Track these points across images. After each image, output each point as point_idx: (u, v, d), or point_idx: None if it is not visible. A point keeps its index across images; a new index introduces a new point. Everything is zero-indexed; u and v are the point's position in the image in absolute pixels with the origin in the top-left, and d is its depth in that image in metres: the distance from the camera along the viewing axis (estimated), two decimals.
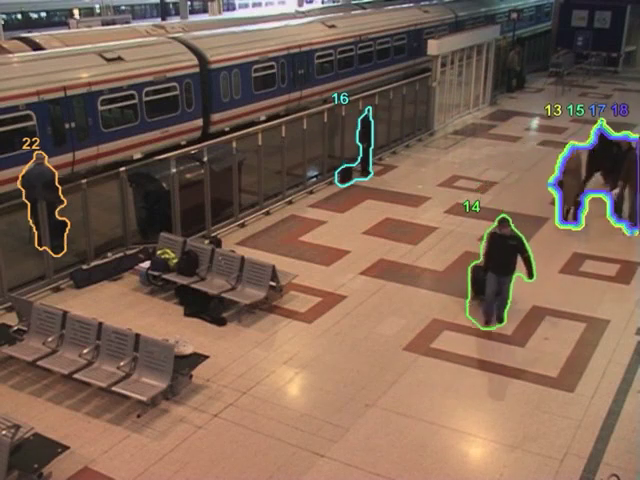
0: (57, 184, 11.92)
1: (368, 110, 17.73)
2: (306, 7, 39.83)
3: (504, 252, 10.68)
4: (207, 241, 13.18)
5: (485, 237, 11.02)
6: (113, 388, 8.87)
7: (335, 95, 17.88)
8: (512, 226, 10.58)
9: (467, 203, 11.17)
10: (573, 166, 14.58)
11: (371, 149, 18.00)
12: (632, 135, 15.25)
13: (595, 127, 15.69)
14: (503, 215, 10.73)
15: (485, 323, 11.06)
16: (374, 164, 18.36)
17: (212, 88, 18.78)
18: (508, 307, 11.02)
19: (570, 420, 8.83)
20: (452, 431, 8.70)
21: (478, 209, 11.05)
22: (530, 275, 10.81)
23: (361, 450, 8.29)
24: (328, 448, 8.30)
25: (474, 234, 14.33)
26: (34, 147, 13.21)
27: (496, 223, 10.73)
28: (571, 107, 21.42)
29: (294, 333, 10.84)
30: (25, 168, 12.32)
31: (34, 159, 12.49)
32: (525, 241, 10.73)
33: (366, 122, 17.62)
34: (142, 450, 8.25)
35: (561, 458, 8.18)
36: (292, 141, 16.38)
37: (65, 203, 11.83)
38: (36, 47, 18.28)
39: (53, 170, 12.54)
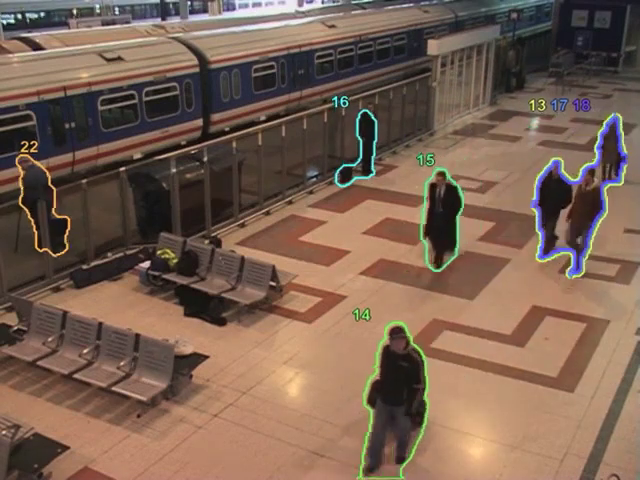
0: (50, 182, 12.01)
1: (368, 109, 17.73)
2: (306, 7, 39.83)
3: (394, 375, 7.73)
4: (207, 241, 13.18)
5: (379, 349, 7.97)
6: (113, 388, 8.87)
7: (335, 98, 17.85)
8: (410, 340, 7.70)
9: (357, 312, 10.06)
10: (611, 132, 16.68)
11: (374, 147, 17.97)
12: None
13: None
14: (397, 323, 7.74)
15: (366, 470, 7.91)
16: (374, 164, 18.34)
17: (212, 88, 18.78)
18: (413, 451, 8.09)
19: (570, 420, 8.83)
20: (452, 431, 8.70)
21: (368, 317, 9.85)
22: (407, 412, 7.91)
23: (361, 450, 8.28)
24: (328, 448, 8.29)
25: (474, 234, 14.36)
26: (32, 150, 13.22)
27: (386, 333, 7.65)
28: (421, 157, 18.77)
29: (294, 333, 10.84)
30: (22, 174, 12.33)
31: (21, 163, 12.44)
32: (424, 367, 7.90)
33: (367, 118, 17.57)
34: (142, 450, 8.25)
35: (561, 458, 8.18)
36: (292, 141, 16.38)
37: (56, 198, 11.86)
38: (36, 47, 18.28)
39: (45, 170, 12.59)
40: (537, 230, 13.24)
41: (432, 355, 10.21)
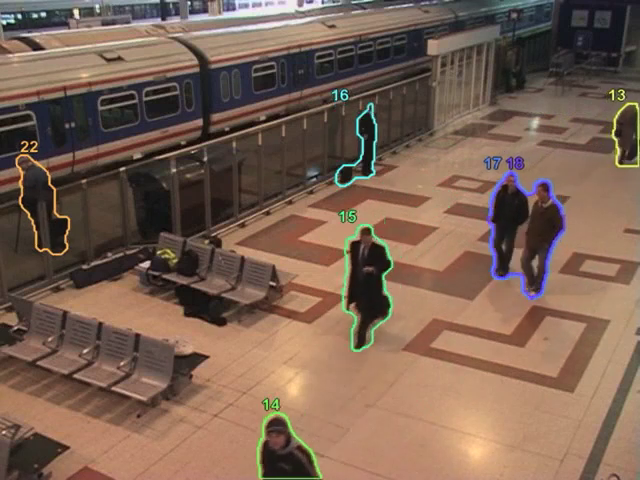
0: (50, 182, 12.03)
1: (370, 107, 17.69)
2: (306, 7, 39.84)
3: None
4: (207, 241, 13.18)
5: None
6: (113, 388, 8.87)
7: (335, 92, 17.82)
8: (292, 434, 6.23)
9: (266, 402, 8.87)
10: (628, 117, 18.08)
11: (374, 147, 17.95)
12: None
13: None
14: (276, 414, 6.27)
15: None
16: (374, 164, 18.33)
17: (212, 88, 18.78)
18: None
19: (570, 420, 8.83)
20: (452, 431, 8.70)
21: (278, 407, 8.71)
22: None
23: (361, 450, 8.29)
24: (328, 448, 8.29)
25: (474, 234, 14.35)
26: (32, 150, 13.22)
27: (264, 428, 6.14)
28: (343, 213, 14.78)
29: (294, 333, 10.84)
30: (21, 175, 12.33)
31: (21, 164, 12.44)
32: (313, 466, 6.34)
33: (367, 118, 17.56)
34: (142, 450, 8.24)
35: (561, 458, 8.18)
36: (292, 141, 16.38)
37: (56, 198, 11.88)
38: (36, 47, 18.28)
39: (45, 170, 12.59)
40: (489, 249, 12.59)
41: (432, 355, 10.27)
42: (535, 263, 11.79)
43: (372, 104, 17.75)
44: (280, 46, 21.16)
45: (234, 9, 51.62)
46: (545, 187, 11.28)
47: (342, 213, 14.57)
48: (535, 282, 11.80)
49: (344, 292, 10.64)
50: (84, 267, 12.30)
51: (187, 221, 13.67)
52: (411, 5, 31.25)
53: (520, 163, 15.09)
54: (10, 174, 13.32)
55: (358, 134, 17.66)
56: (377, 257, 10.11)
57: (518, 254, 12.14)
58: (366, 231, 10.14)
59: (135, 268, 12.40)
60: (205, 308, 11.18)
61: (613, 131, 18.72)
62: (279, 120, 17.09)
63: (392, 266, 10.32)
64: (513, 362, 10.09)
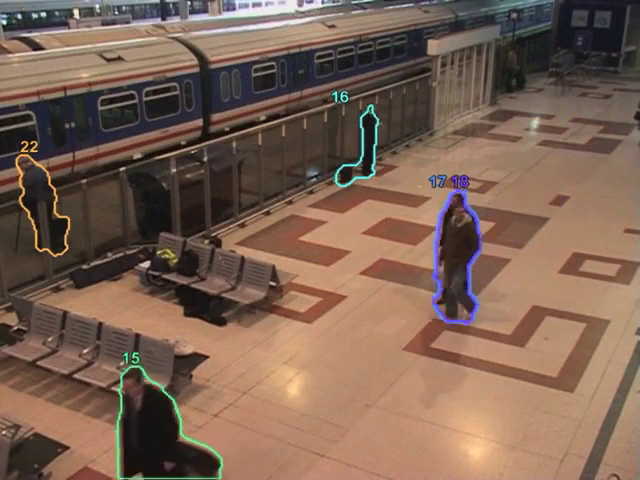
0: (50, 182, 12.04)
1: (370, 108, 17.68)
2: (306, 7, 39.86)
3: None
4: (207, 241, 13.18)
5: None
6: (113, 388, 8.85)
7: (335, 94, 17.81)
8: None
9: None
10: None
11: (374, 148, 17.95)
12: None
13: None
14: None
15: None
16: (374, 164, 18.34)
17: (212, 88, 18.79)
18: None
19: (570, 420, 8.83)
20: (452, 431, 8.70)
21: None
22: None
23: (361, 450, 8.29)
24: (328, 448, 8.29)
25: None
26: (32, 150, 13.22)
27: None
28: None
29: (294, 333, 10.84)
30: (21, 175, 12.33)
31: (21, 164, 12.43)
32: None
33: (370, 119, 17.56)
34: None
35: (561, 458, 8.17)
36: (292, 141, 16.38)
37: (56, 198, 11.90)
38: (36, 47, 18.29)
39: (45, 170, 12.61)
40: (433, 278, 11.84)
41: (432, 355, 10.27)
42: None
43: (372, 105, 17.71)
44: (280, 46, 21.18)
45: (234, 9, 51.65)
46: (460, 198, 10.72)
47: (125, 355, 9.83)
48: (467, 309, 11.01)
49: (118, 460, 6.98)
50: (84, 267, 12.31)
51: (187, 221, 13.67)
52: (411, 5, 31.27)
53: (465, 181, 14.13)
54: (10, 174, 13.32)
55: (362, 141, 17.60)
56: (155, 413, 6.81)
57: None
58: (131, 375, 6.78)
59: (135, 268, 12.40)
60: (205, 308, 11.18)
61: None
62: (279, 120, 17.10)
63: (179, 429, 7.02)
64: (513, 362, 10.08)
